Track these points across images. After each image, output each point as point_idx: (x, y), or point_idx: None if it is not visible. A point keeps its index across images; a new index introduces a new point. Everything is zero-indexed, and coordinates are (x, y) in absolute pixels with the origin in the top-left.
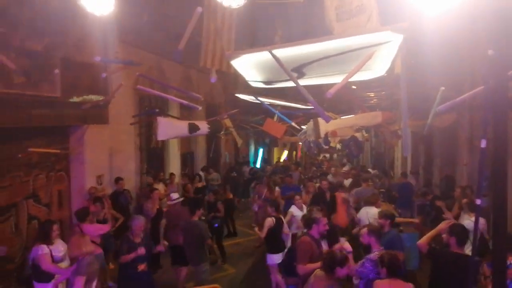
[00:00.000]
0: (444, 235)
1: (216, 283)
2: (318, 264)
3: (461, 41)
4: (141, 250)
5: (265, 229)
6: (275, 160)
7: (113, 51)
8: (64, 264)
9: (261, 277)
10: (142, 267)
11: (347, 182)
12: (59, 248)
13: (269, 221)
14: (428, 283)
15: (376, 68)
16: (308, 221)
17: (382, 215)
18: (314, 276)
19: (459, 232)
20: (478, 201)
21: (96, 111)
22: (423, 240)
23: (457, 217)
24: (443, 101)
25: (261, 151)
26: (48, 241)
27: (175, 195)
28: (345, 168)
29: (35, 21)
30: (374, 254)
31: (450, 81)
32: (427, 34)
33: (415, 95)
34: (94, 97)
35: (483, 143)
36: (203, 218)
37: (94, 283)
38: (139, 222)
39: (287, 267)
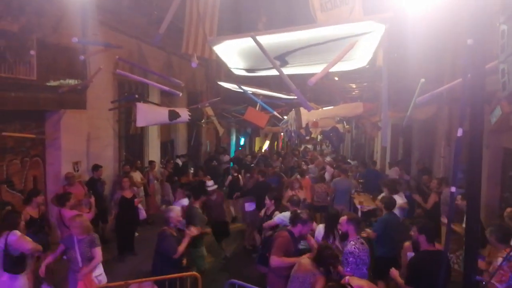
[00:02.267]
0: (412, 233)
1: (194, 271)
2: (294, 259)
3: (443, 33)
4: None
5: None
6: (256, 149)
7: (92, 34)
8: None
9: (240, 265)
10: (185, 261)
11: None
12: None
13: None
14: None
15: (358, 58)
16: (295, 218)
17: (381, 199)
18: (299, 263)
19: (428, 230)
20: (452, 189)
21: (74, 96)
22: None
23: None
24: (423, 93)
25: (242, 140)
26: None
27: (210, 183)
28: (328, 159)
29: (11, 0)
30: (351, 245)
31: (432, 74)
32: (409, 26)
33: (397, 87)
34: (71, 81)
35: (460, 132)
36: None
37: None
38: (177, 213)
39: (261, 257)
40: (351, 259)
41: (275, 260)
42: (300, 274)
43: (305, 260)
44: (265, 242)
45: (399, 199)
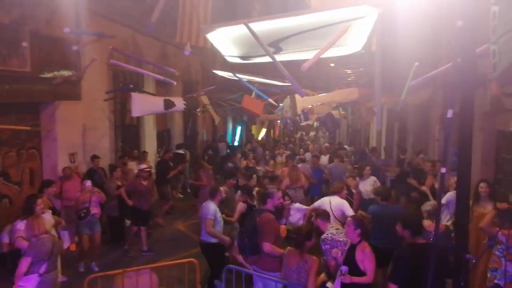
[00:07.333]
0: (397, 228)
1: (193, 257)
2: (282, 250)
3: (439, 17)
4: None
5: (237, 214)
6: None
7: (85, 24)
8: None
9: None
10: None
11: (325, 158)
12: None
13: (241, 206)
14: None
15: (352, 43)
16: (263, 196)
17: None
18: (288, 257)
19: (412, 224)
20: (443, 170)
21: (68, 87)
22: None
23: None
24: (417, 77)
25: (239, 129)
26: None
27: (143, 166)
28: (326, 144)
29: None
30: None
31: (428, 58)
32: (404, 10)
33: (392, 72)
34: (65, 72)
35: (450, 113)
36: None
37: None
38: None
39: (247, 246)
40: (324, 246)
41: (268, 246)
42: (294, 266)
43: (290, 251)
44: (251, 232)
45: None
